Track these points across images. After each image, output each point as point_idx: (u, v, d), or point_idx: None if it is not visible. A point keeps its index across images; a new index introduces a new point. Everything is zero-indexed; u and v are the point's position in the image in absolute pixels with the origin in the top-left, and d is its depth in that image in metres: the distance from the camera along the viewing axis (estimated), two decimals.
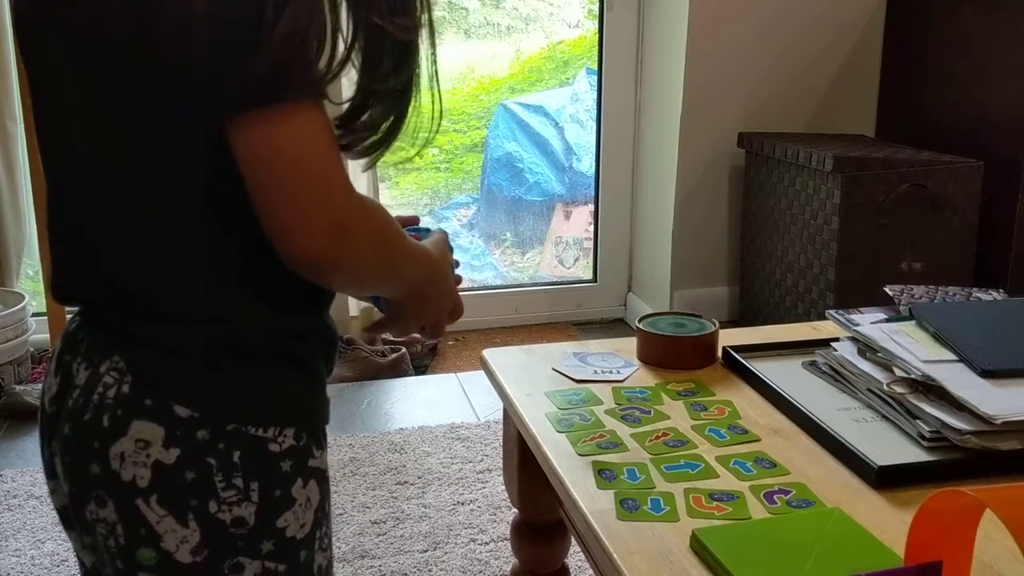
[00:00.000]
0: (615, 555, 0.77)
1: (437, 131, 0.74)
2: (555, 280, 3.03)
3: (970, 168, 2.10)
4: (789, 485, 0.87)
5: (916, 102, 2.41)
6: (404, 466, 1.87)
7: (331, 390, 2.30)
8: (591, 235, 2.93)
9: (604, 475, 0.89)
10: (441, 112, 0.73)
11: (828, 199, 2.08)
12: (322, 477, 0.75)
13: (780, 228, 2.28)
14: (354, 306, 2.52)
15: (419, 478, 1.83)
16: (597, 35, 2.70)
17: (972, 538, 0.69)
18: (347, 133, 0.70)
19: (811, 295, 2.18)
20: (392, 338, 2.47)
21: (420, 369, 2.41)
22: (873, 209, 2.06)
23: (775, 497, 0.85)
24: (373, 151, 0.72)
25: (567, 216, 3.63)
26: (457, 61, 6.55)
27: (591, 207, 2.91)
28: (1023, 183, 2.07)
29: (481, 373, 1.19)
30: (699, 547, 0.76)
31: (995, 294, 1.16)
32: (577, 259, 3.08)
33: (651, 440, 0.96)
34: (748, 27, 2.39)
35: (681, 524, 0.81)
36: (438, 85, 0.73)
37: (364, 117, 0.69)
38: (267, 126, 0.60)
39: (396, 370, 2.34)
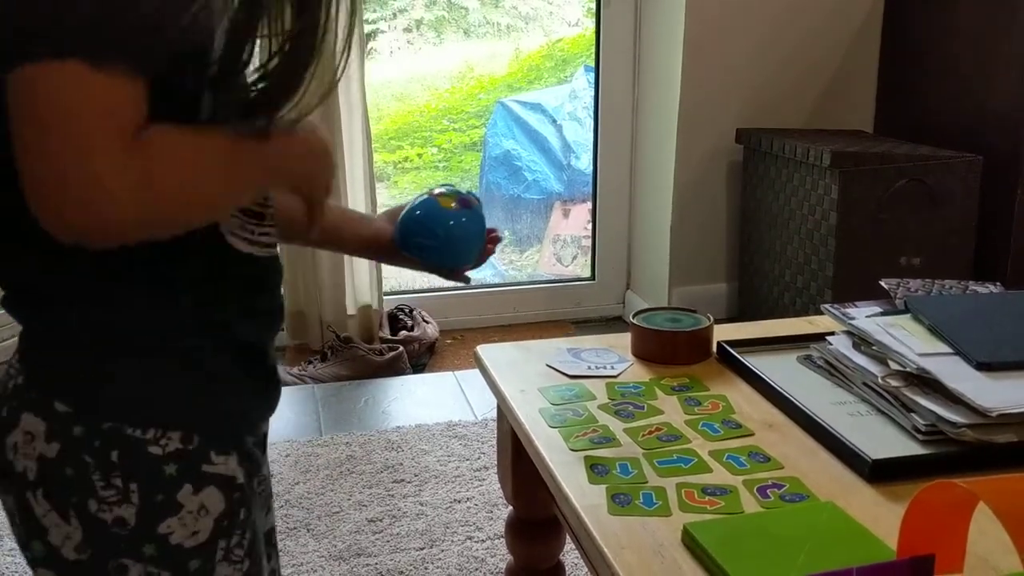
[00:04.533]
0: (606, 550, 0.77)
1: (342, 71, 0.71)
2: (553, 278, 3.02)
3: (969, 163, 2.09)
4: (782, 479, 0.86)
5: (915, 97, 2.40)
6: (401, 464, 1.86)
7: (328, 388, 2.28)
8: (589, 233, 2.92)
9: (596, 470, 0.89)
10: (348, 49, 0.70)
11: (826, 195, 2.07)
12: (228, 484, 0.71)
13: (778, 224, 2.27)
14: (352, 305, 2.51)
15: (416, 476, 1.82)
16: (595, 32, 2.69)
17: (965, 531, 0.68)
18: (229, 79, 0.66)
19: (810, 291, 2.17)
20: (389, 336, 2.47)
21: (418, 367, 2.41)
22: (871, 204, 2.05)
23: (768, 491, 0.84)
24: (267, 101, 0.68)
25: (566, 214, 3.62)
26: (456, 60, 6.55)
27: (590, 205, 2.90)
28: (1022, 177, 2.06)
29: (479, 371, 1.18)
30: (690, 541, 0.76)
31: (992, 287, 1.15)
32: (575, 257, 3.07)
33: (644, 435, 0.95)
34: (745, 23, 2.38)
35: (673, 519, 0.80)
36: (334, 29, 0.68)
37: (244, 57, 0.65)
38: (30, 82, 0.57)
39: (393, 368, 2.33)
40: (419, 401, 2.18)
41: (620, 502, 0.83)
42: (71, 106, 0.57)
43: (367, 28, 6.54)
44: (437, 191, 0.98)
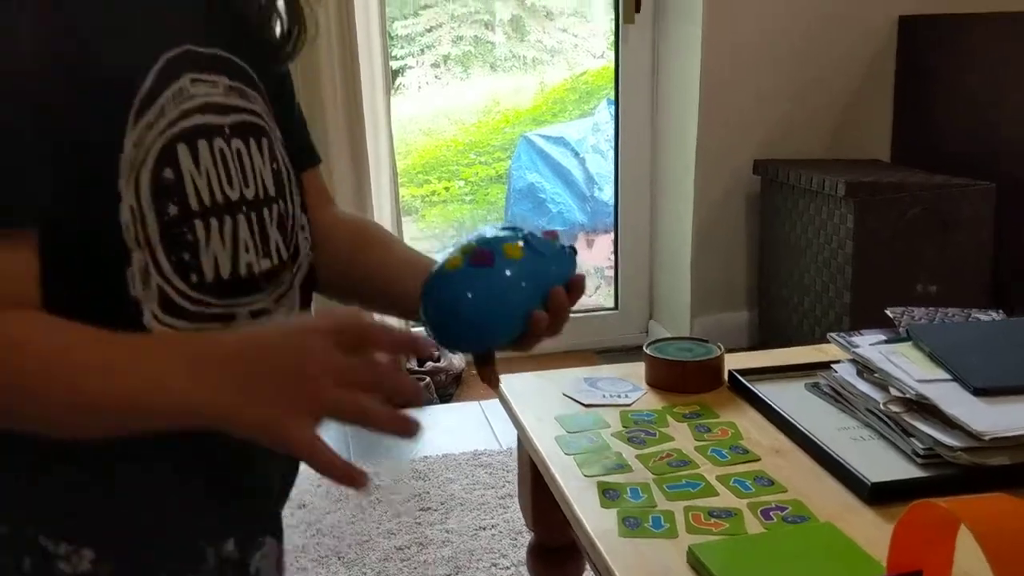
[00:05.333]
0: (616, 572, 0.81)
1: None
2: (577, 308, 3.07)
3: (983, 190, 2.12)
4: (786, 502, 0.90)
5: (930, 126, 2.44)
6: (428, 492, 1.91)
7: None
8: (612, 263, 2.97)
9: (608, 495, 0.93)
10: None
11: (842, 224, 2.11)
12: None
13: (796, 253, 2.31)
14: None
15: (442, 504, 1.87)
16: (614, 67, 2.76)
17: (951, 548, 0.72)
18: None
19: (828, 319, 2.21)
20: (416, 368, 2.53)
21: (444, 397, 2.46)
22: (886, 233, 2.09)
23: (771, 513, 0.88)
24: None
25: (590, 244, 3.68)
26: (482, 94, 6.66)
27: (612, 236, 2.95)
28: None
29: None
30: (695, 562, 0.80)
31: (994, 315, 1.19)
32: (598, 287, 3.12)
33: (655, 461, 1.00)
34: (761, 57, 2.43)
35: (680, 540, 0.85)
36: None
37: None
38: None
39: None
40: (446, 430, 2.23)
41: (630, 525, 0.88)
42: None
43: (395, 64, 6.68)
44: (467, 243, 0.74)
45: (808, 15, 2.44)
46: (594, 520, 0.89)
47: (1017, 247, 2.12)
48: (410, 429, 0.58)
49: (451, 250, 0.73)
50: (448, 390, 2.50)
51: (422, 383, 2.41)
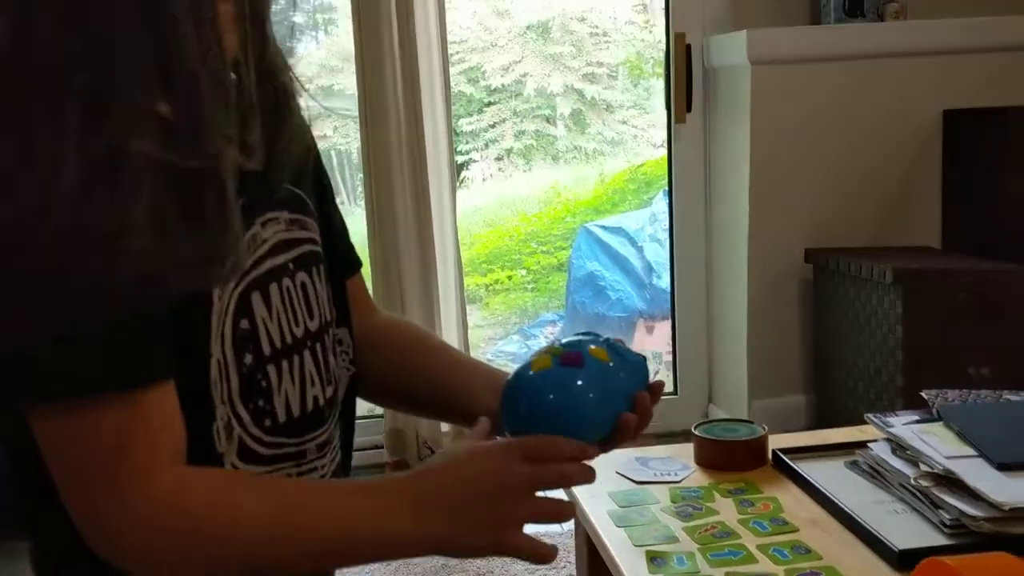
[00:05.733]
0: None
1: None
2: None
3: None
4: (819, 568, 0.98)
5: (978, 214, 2.51)
6: (491, 572, 1.99)
7: None
8: (671, 349, 3.05)
9: (656, 562, 1.02)
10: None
11: (891, 309, 2.18)
12: None
13: (849, 338, 2.38)
14: (446, 423, 2.68)
15: None
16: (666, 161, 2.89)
17: None
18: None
19: (882, 402, 2.26)
20: None
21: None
22: (935, 318, 2.15)
23: None
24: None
25: (649, 331, 3.77)
26: (544, 184, 6.86)
27: (670, 322, 3.04)
28: None
29: None
30: None
31: None
32: (657, 372, 3.20)
33: (700, 532, 1.08)
34: (808, 148, 2.54)
35: None
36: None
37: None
38: (42, 423, 0.58)
39: None
40: None
41: None
42: (68, 454, 0.58)
43: (460, 159, 6.94)
44: (550, 345, 0.77)
45: (854, 109, 2.55)
46: None
47: None
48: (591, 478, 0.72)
49: (531, 354, 0.78)
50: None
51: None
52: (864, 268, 2.26)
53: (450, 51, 2.64)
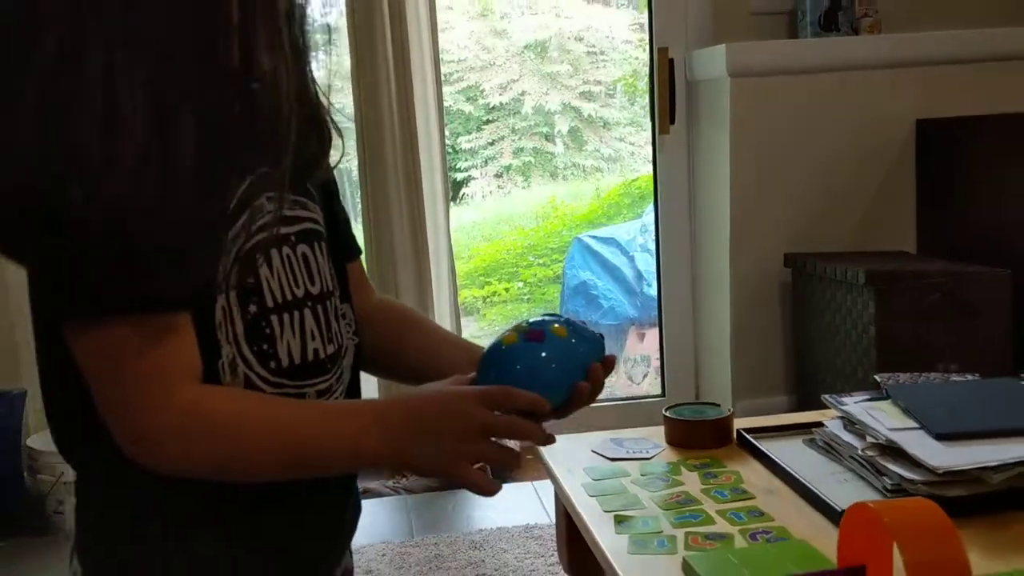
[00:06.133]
0: (621, 574, 0.99)
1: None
2: (627, 395, 3.24)
3: (999, 277, 2.27)
4: (771, 528, 1.07)
5: (951, 219, 2.61)
6: (483, 561, 2.08)
7: (419, 497, 2.55)
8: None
9: (623, 524, 1.11)
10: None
11: (865, 310, 2.27)
12: None
13: (826, 338, 2.47)
14: None
15: (496, 571, 2.03)
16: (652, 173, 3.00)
17: (890, 546, 0.88)
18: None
19: None
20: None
21: (500, 479, 2.63)
22: (907, 318, 2.24)
23: (758, 536, 1.05)
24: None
25: (640, 338, 3.86)
26: (542, 199, 6.96)
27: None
28: None
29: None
30: (688, 570, 0.97)
31: (969, 377, 1.35)
32: (646, 375, 3.29)
33: (665, 500, 1.17)
34: (787, 157, 2.64)
35: (678, 556, 1.02)
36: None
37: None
38: (75, 339, 0.68)
39: None
40: (500, 508, 2.40)
41: (638, 545, 1.05)
42: (104, 365, 0.68)
43: (459, 176, 7.04)
44: (518, 324, 0.89)
45: (830, 120, 2.65)
46: (608, 542, 1.07)
47: None
48: (544, 439, 0.84)
49: (504, 331, 0.89)
50: (504, 472, 2.67)
51: (478, 465, 2.59)
52: (839, 271, 2.35)
53: (448, 70, 2.75)
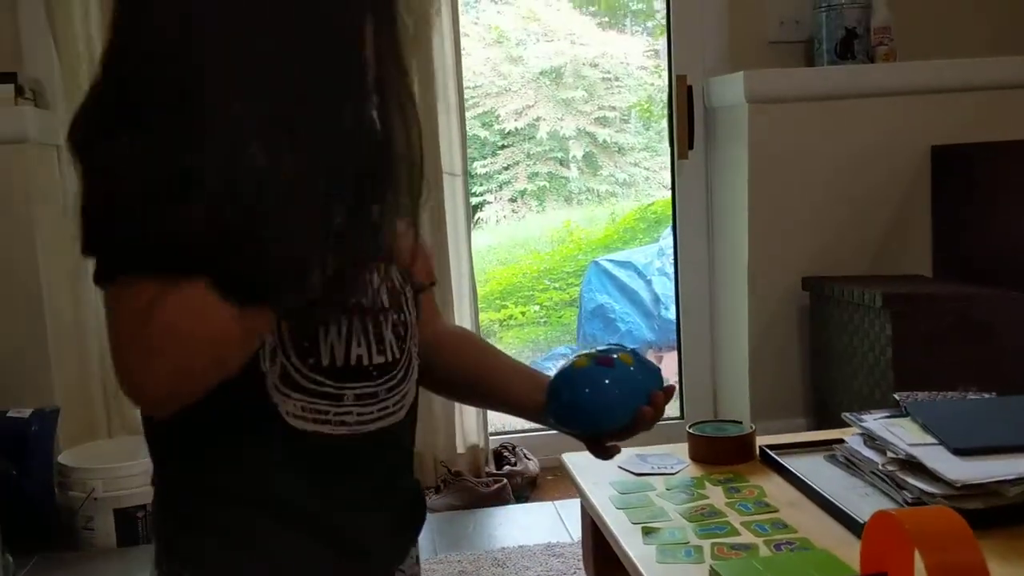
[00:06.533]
0: None
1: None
2: None
3: (1013, 299, 2.30)
4: (794, 539, 1.11)
5: (966, 244, 2.64)
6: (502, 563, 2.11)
7: (442, 516, 2.60)
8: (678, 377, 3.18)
9: (650, 536, 1.15)
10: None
11: (882, 332, 2.31)
12: None
13: (843, 361, 2.50)
14: (461, 444, 2.81)
15: None
16: (671, 197, 3.04)
17: (912, 552, 0.92)
18: None
19: None
20: (495, 471, 2.75)
21: (520, 499, 2.67)
22: (923, 340, 2.27)
23: (782, 546, 1.09)
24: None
25: (658, 361, 3.90)
26: (556, 224, 7.01)
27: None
28: None
29: (576, 500, 1.44)
30: None
31: (986, 395, 1.39)
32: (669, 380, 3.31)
33: (691, 513, 1.21)
34: (804, 183, 2.68)
35: (705, 565, 1.06)
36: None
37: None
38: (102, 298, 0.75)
39: (499, 499, 2.60)
40: (521, 526, 2.43)
41: (666, 555, 1.09)
42: (112, 319, 0.74)
43: (474, 200, 7.10)
44: (585, 352, 0.95)
45: (847, 146, 2.69)
46: (637, 552, 1.11)
47: None
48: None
49: (573, 356, 0.97)
50: (524, 492, 2.71)
51: (499, 485, 2.63)
52: (856, 294, 2.39)
53: (465, 96, 2.81)
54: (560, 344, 4.81)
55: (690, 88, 2.87)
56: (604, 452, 0.98)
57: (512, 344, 5.31)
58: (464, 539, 2.37)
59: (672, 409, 3.23)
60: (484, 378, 1.03)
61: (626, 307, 4.06)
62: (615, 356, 0.93)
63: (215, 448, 0.83)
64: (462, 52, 2.74)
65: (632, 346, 0.97)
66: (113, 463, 2.39)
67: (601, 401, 0.91)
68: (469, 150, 2.95)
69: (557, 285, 5.97)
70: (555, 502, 2.59)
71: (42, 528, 2.38)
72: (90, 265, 0.74)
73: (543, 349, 4.89)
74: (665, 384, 0.96)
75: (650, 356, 3.85)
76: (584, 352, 0.95)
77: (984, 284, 2.43)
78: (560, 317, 5.49)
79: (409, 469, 0.96)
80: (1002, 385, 2.31)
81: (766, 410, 2.77)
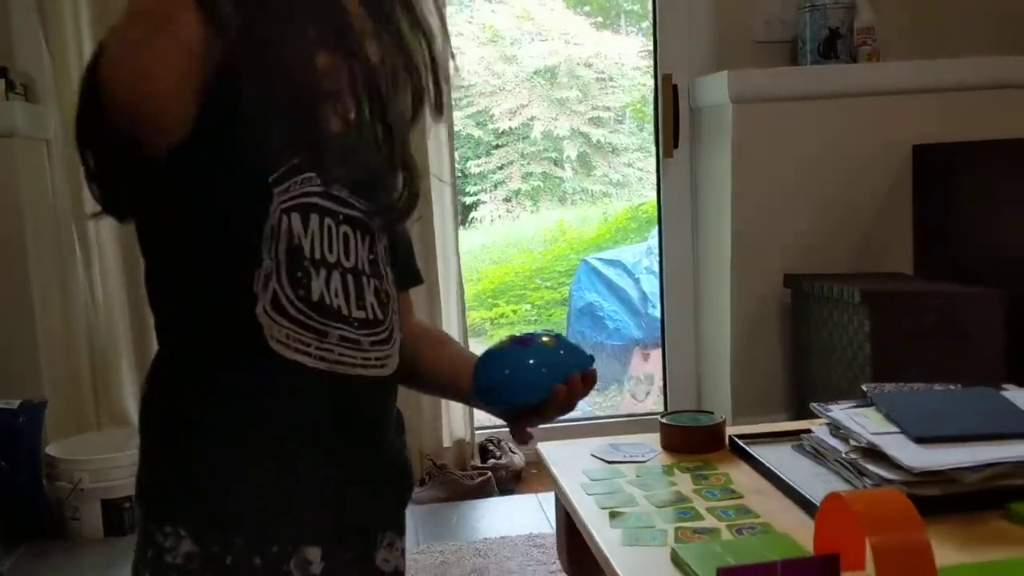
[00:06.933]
0: (614, 563, 1.05)
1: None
2: (631, 412, 3.31)
3: (990, 297, 2.33)
4: (756, 524, 1.14)
5: (947, 242, 2.67)
6: (487, 568, 2.14)
7: (426, 508, 2.63)
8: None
9: (617, 519, 1.18)
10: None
11: (860, 328, 2.34)
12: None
13: (823, 357, 2.54)
14: (447, 438, 2.83)
15: None
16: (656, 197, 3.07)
17: (862, 534, 0.94)
18: None
19: None
20: (480, 464, 2.78)
21: (505, 492, 2.69)
22: (901, 336, 2.31)
23: (743, 530, 1.12)
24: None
25: (645, 358, 3.92)
26: (550, 224, 7.03)
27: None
28: None
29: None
30: (676, 559, 1.04)
31: (951, 387, 1.41)
32: (648, 393, 3.35)
33: (658, 499, 1.24)
34: (787, 181, 2.72)
35: (668, 548, 1.08)
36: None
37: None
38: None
39: (483, 491, 2.63)
40: (504, 518, 2.46)
41: (631, 538, 1.12)
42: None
43: (468, 200, 7.11)
44: (511, 335, 1.02)
45: (829, 145, 2.73)
46: (604, 535, 1.13)
47: (1022, 348, 2.32)
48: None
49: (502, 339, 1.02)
50: (508, 485, 2.74)
51: (484, 478, 2.66)
52: (836, 290, 2.42)
53: (458, 95, 2.83)
54: None
55: (676, 87, 2.89)
56: (521, 434, 1.02)
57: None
58: (447, 530, 2.40)
59: (656, 404, 3.26)
60: (434, 367, 1.08)
61: (614, 305, 4.09)
62: (535, 337, 0.98)
63: (203, 378, 0.86)
64: (456, 51, 2.77)
65: (559, 332, 1.02)
66: (100, 455, 2.42)
67: (519, 378, 0.96)
68: (463, 150, 2.98)
69: (549, 284, 6.00)
70: (538, 494, 2.62)
71: (30, 518, 2.41)
72: None
73: None
74: (590, 369, 0.99)
75: (637, 354, 3.88)
76: (511, 335, 1.00)
77: (965, 282, 2.46)
78: (551, 315, 5.52)
79: (394, 434, 0.99)
80: (978, 382, 2.34)
81: (748, 405, 2.80)
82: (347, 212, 0.92)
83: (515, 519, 2.44)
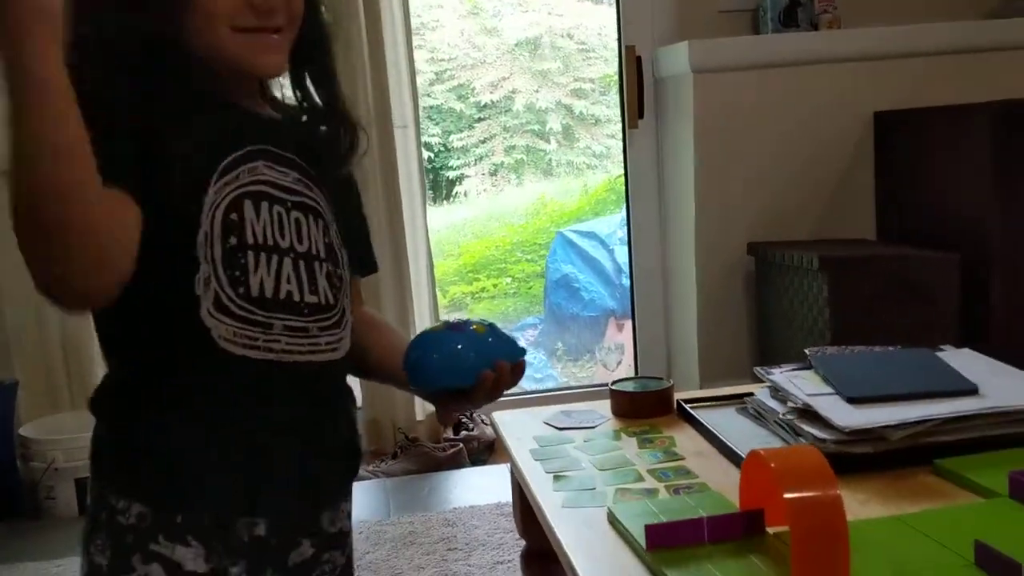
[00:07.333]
0: (555, 529, 1.09)
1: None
2: (603, 382, 3.34)
3: (947, 260, 2.37)
4: (694, 484, 1.17)
5: (907, 206, 2.71)
6: (455, 536, 2.18)
7: (397, 480, 2.65)
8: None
9: (560, 482, 1.21)
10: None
11: (819, 294, 2.38)
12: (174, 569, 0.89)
13: (787, 323, 2.57)
14: (421, 412, 2.87)
15: (466, 544, 2.13)
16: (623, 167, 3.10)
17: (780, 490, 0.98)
18: None
19: None
20: (452, 436, 2.82)
21: (478, 463, 2.73)
22: (859, 301, 2.34)
23: (681, 491, 1.15)
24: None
25: (620, 328, 3.96)
26: (532, 197, 7.04)
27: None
28: (994, 272, 2.34)
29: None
30: (612, 519, 1.07)
31: (891, 348, 1.45)
32: (619, 363, 3.39)
33: (602, 462, 1.28)
34: (749, 148, 2.74)
35: (605, 508, 1.12)
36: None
37: None
38: None
39: (455, 462, 2.67)
40: (474, 488, 2.50)
41: (572, 500, 1.15)
42: None
43: (452, 174, 7.10)
44: (444, 320, 1.09)
45: (791, 113, 2.75)
46: (546, 498, 1.17)
47: (981, 311, 2.36)
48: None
49: (432, 325, 1.07)
50: (481, 456, 2.78)
51: (455, 449, 2.70)
52: (796, 258, 2.46)
53: (439, 68, 2.83)
54: (529, 315, 4.87)
55: (639, 58, 2.91)
56: (446, 417, 1.09)
57: (481, 315, 5.37)
58: (418, 501, 2.44)
59: (628, 373, 3.30)
60: (380, 355, 1.10)
61: (590, 276, 4.12)
62: (467, 324, 1.02)
63: (152, 373, 0.91)
64: (436, 24, 2.76)
65: (493, 323, 1.05)
66: (73, 434, 2.44)
67: (446, 362, 0.99)
68: (445, 123, 2.99)
69: (529, 257, 6.02)
70: (508, 465, 2.65)
71: (4, 498, 2.44)
72: None
73: (512, 320, 4.95)
74: (520, 359, 1.03)
75: (612, 325, 3.92)
76: (444, 320, 1.05)
77: (925, 247, 2.50)
78: (530, 288, 5.55)
79: (345, 416, 1.03)
80: (936, 343, 2.38)
81: (715, 374, 2.84)
82: (296, 199, 0.96)
83: (484, 489, 2.48)
